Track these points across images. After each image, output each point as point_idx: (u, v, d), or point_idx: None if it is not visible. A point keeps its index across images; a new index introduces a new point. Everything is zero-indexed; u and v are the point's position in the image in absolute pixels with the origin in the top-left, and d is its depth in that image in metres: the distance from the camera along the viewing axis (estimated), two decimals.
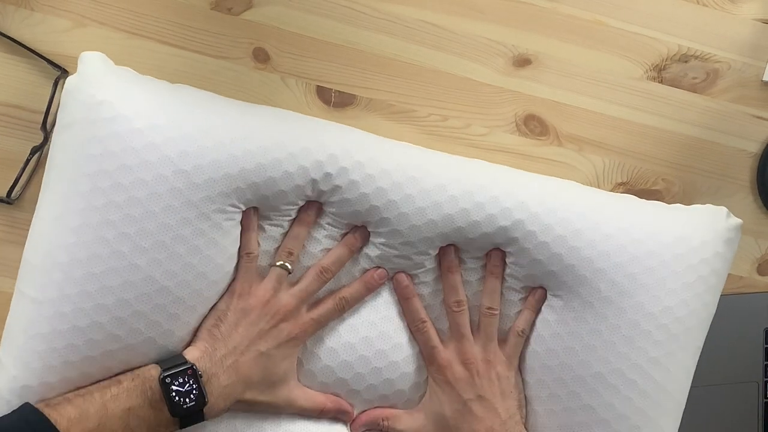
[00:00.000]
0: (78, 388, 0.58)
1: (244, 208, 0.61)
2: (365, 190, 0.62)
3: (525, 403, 0.66)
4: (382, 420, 0.65)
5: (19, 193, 0.66)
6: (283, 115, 0.64)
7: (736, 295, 0.73)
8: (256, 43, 0.68)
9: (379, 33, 0.69)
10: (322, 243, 0.64)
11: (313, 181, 0.61)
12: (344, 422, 0.66)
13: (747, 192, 0.74)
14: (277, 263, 0.62)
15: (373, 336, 0.65)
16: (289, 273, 0.62)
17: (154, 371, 0.58)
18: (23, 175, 0.65)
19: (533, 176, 0.67)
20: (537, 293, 0.65)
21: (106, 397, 0.56)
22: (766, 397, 0.73)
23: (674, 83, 0.73)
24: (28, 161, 0.65)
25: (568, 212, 0.63)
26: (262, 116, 0.62)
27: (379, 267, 0.65)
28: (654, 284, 0.63)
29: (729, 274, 0.67)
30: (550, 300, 0.64)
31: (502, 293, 0.65)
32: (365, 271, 0.65)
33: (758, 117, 0.74)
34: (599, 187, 0.72)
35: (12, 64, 0.66)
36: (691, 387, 0.66)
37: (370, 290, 0.65)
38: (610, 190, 0.72)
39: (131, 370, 0.59)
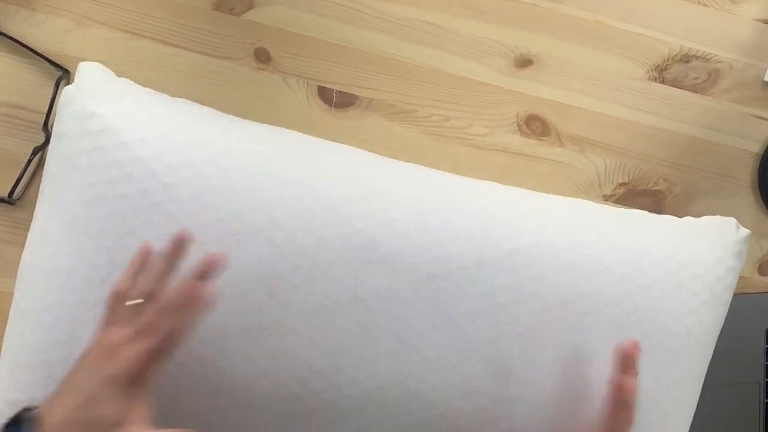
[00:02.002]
0: None
1: None
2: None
3: None
4: None
5: (20, 193, 0.66)
6: (279, 133, 0.62)
7: (737, 296, 0.72)
8: (258, 43, 0.68)
9: (381, 33, 0.69)
10: None
11: None
12: None
13: (748, 192, 0.74)
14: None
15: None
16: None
17: None
18: (25, 175, 0.65)
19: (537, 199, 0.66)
20: None
21: None
22: (767, 398, 0.73)
23: (675, 83, 0.73)
24: (29, 161, 0.65)
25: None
26: (255, 134, 0.61)
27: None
28: (674, 307, 0.62)
29: None
30: None
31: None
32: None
33: (759, 117, 0.74)
34: (600, 188, 0.72)
35: (14, 65, 0.66)
36: None
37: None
38: (612, 191, 0.72)
39: None
